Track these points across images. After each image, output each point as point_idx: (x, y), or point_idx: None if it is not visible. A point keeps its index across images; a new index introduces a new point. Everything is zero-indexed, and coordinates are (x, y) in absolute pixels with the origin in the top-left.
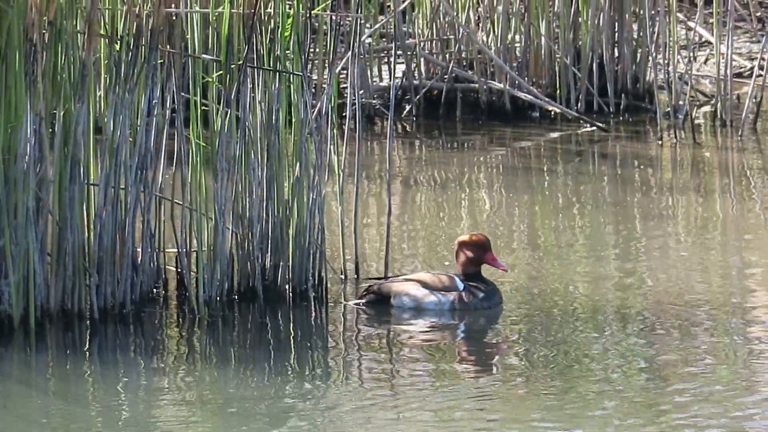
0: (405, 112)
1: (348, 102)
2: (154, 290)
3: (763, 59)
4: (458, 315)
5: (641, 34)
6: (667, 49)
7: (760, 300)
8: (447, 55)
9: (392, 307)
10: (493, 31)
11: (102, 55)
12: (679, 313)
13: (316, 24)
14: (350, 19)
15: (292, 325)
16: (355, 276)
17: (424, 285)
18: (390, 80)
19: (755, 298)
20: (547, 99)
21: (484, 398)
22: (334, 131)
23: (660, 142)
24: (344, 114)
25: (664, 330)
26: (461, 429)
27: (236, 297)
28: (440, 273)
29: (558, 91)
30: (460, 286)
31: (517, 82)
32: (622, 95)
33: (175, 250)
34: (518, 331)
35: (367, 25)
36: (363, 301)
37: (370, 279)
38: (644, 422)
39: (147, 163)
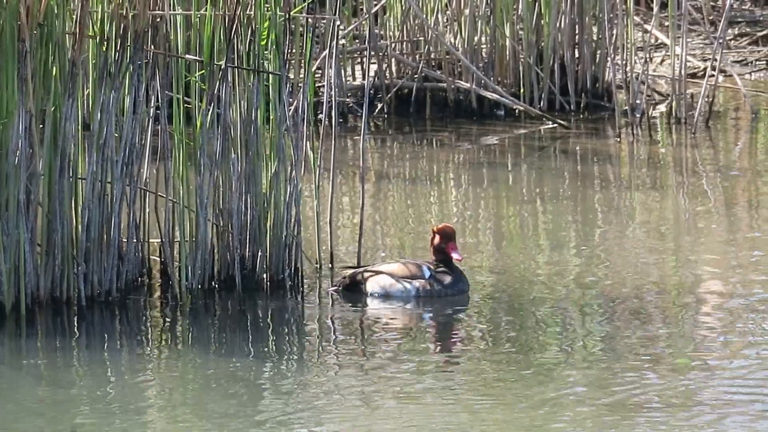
0: (377, 110)
1: (325, 100)
2: (139, 278)
3: (715, 60)
4: (425, 302)
5: (600, 36)
6: (625, 50)
7: (712, 288)
8: (417, 56)
9: (363, 294)
10: (461, 33)
11: (90, 55)
12: (635, 300)
13: (293, 26)
14: (325, 21)
15: (269, 311)
16: (330, 266)
17: (392, 274)
18: (363, 80)
19: (707, 286)
20: (511, 98)
21: (451, 380)
22: (310, 128)
23: (618, 139)
24: (319, 112)
25: (621, 316)
26: (429, 409)
27: (216, 285)
28: (410, 262)
29: (522, 90)
30: (426, 274)
31: (483, 81)
32: (583, 94)
33: (159, 240)
34: (483, 317)
35: (341, 27)
36: (338, 288)
37: (344, 268)
38: (603, 402)
39: (132, 157)
